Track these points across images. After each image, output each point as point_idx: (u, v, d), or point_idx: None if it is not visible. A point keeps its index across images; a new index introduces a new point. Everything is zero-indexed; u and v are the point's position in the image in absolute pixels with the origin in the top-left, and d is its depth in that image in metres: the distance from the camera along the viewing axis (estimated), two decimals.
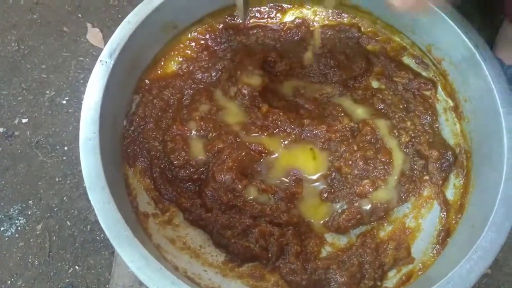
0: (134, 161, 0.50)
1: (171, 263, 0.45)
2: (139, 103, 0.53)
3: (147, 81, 0.53)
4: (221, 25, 0.58)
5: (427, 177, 0.55)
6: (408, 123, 0.56)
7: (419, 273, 0.50)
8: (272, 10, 0.62)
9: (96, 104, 0.44)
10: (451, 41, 0.47)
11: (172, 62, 0.56)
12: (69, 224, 0.91)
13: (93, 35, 1.08)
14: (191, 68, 0.56)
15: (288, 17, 0.63)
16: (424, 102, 0.57)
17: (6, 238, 0.91)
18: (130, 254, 0.39)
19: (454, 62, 0.50)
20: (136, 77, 0.52)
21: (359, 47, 0.62)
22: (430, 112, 0.56)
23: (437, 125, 0.56)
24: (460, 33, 0.45)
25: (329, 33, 0.62)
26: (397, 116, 0.57)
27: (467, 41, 0.45)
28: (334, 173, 0.54)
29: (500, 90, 0.42)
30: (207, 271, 0.48)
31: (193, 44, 0.57)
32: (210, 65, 0.57)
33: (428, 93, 0.58)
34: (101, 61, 0.46)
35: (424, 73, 0.60)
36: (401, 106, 0.58)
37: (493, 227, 0.43)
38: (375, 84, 0.60)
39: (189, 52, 0.57)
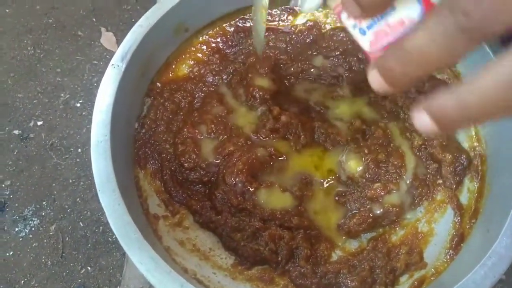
0: (145, 163, 0.50)
1: (180, 265, 0.45)
2: (150, 106, 0.53)
3: (158, 84, 0.54)
4: (232, 28, 0.59)
5: (440, 181, 0.54)
6: None
7: (432, 278, 0.49)
8: (284, 12, 0.62)
9: (108, 107, 0.44)
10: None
11: (184, 65, 0.57)
12: (81, 225, 0.93)
13: (107, 39, 1.09)
14: (202, 71, 0.56)
15: (300, 20, 0.63)
16: None
17: (20, 239, 0.92)
18: (140, 256, 0.39)
19: (470, 64, 0.49)
20: (147, 80, 0.53)
21: None
22: None
23: None
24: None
25: (341, 35, 0.62)
26: (409, 119, 0.57)
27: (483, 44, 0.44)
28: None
29: None
30: (216, 273, 0.48)
31: (204, 47, 0.57)
32: (221, 68, 0.57)
33: None
34: (112, 64, 0.46)
35: (437, 75, 0.59)
36: None
37: (508, 232, 0.42)
38: None
39: (200, 55, 0.57)
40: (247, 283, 0.48)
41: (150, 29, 0.48)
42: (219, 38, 0.58)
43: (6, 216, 0.93)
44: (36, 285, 0.87)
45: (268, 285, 0.48)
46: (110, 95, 0.45)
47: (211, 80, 0.56)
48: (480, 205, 0.51)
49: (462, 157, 0.54)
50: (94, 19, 1.12)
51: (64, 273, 0.88)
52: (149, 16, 0.50)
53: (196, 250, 0.49)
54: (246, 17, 0.59)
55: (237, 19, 0.59)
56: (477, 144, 0.54)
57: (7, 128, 1.01)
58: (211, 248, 0.49)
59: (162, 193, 0.50)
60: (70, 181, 0.96)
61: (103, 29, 1.09)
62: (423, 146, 0.55)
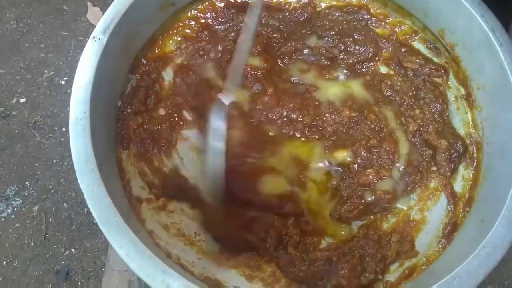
0: (128, 144, 0.48)
1: (164, 250, 0.44)
2: (135, 85, 0.50)
3: (143, 61, 0.51)
4: (223, 4, 0.55)
5: (434, 168, 0.52)
6: (417, 111, 0.54)
7: (423, 267, 0.47)
8: None
9: (87, 83, 0.42)
10: (466, 24, 0.44)
11: (171, 42, 0.54)
12: (66, 206, 0.90)
13: (94, 14, 1.05)
14: (190, 49, 0.54)
15: None
16: (434, 89, 0.54)
17: (2, 219, 0.90)
18: (119, 241, 0.37)
19: (468, 47, 0.47)
20: (131, 56, 0.50)
21: (368, 30, 0.59)
22: (440, 100, 0.53)
23: (447, 113, 0.54)
24: (476, 16, 0.42)
25: (337, 14, 0.59)
26: (405, 103, 0.55)
27: (483, 24, 0.42)
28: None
29: None
30: (201, 259, 0.46)
31: (193, 23, 0.54)
32: (210, 45, 0.54)
33: (439, 80, 0.55)
34: (94, 37, 0.43)
35: (435, 59, 0.57)
36: (410, 93, 0.55)
37: (503, 222, 0.41)
38: (383, 69, 0.57)
39: (188, 31, 0.54)
40: (233, 269, 0.46)
41: (134, 1, 0.45)
42: (208, 14, 0.55)
43: None
44: (19, 266, 0.85)
45: (255, 271, 0.46)
46: (90, 70, 0.42)
47: (200, 59, 0.54)
48: (474, 193, 0.49)
49: (458, 144, 0.52)
50: None
51: (48, 255, 0.86)
52: None
53: (181, 235, 0.47)
54: None
55: None
56: (474, 130, 0.53)
57: None
58: (196, 233, 0.48)
59: (146, 175, 0.48)
60: (54, 161, 0.93)
61: (89, 3, 1.05)
62: (418, 132, 0.53)
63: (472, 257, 0.40)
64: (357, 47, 0.58)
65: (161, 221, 0.46)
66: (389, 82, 0.56)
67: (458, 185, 0.52)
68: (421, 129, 0.54)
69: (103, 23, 0.44)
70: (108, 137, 0.45)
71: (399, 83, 0.56)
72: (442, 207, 0.51)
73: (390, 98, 0.56)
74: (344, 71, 0.57)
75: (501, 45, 0.41)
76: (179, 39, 0.54)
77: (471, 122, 0.54)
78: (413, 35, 0.57)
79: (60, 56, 1.03)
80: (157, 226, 0.46)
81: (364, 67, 0.57)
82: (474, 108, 0.51)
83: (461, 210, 0.49)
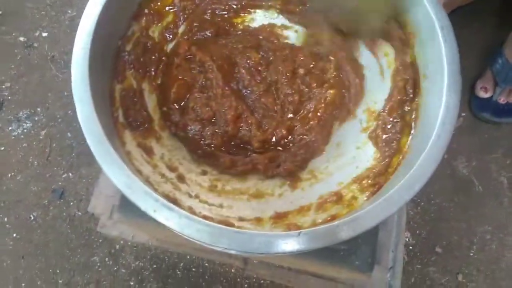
0: (123, 78, 0.55)
1: (137, 168, 0.51)
2: (135, 30, 0.57)
3: (145, 11, 0.58)
4: None
5: None
6: None
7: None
8: None
9: (93, 19, 0.49)
10: (423, 19, 0.50)
11: None
12: (69, 135, 1.00)
13: None
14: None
15: None
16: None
17: (12, 137, 1.00)
18: (103, 156, 0.44)
19: (423, 41, 0.52)
20: (135, 4, 0.57)
21: None
22: None
23: None
24: (431, 14, 0.48)
25: None
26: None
27: (435, 22, 0.48)
28: None
29: (450, 72, 0.46)
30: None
31: None
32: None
33: None
34: None
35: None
36: None
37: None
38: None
39: None
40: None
41: None
42: None
43: (3, 114, 1.00)
44: (22, 180, 0.96)
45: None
46: (97, 9, 0.50)
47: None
48: None
49: None
50: None
51: (47, 175, 0.96)
52: None
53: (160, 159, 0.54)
54: None
55: None
56: None
57: (13, 34, 1.07)
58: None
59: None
60: (65, 93, 1.02)
61: None
62: None
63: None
64: None
65: (141, 146, 0.54)
66: None
67: None
68: None
69: None
70: (104, 70, 0.53)
71: None
72: None
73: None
74: None
75: (445, 41, 0.47)
76: None
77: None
78: None
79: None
80: (137, 150, 0.54)
81: None
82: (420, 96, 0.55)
83: None
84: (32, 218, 0.92)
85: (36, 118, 1.00)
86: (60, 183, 0.95)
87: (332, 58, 0.56)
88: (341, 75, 0.55)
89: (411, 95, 0.52)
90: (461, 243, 0.90)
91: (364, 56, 0.58)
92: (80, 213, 0.92)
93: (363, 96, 0.56)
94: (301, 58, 0.56)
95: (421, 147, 0.45)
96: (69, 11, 1.09)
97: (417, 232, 0.91)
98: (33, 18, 1.08)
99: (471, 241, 0.90)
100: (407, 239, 0.90)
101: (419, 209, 0.92)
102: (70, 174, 0.96)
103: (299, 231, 0.41)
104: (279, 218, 0.50)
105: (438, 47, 0.48)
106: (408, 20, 0.53)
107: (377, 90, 0.56)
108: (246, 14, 0.62)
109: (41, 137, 0.99)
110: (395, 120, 0.52)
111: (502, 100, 0.94)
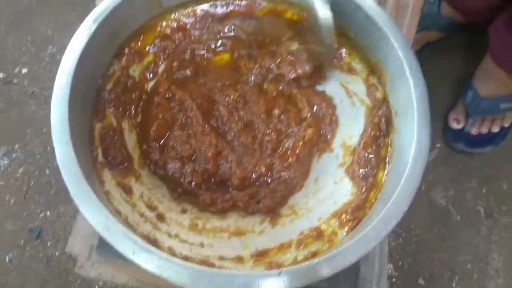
0: (103, 117, 0.56)
1: (115, 208, 0.51)
2: (116, 69, 0.58)
3: (126, 51, 0.59)
4: (202, 13, 0.63)
5: None
6: None
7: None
8: None
9: (74, 59, 0.50)
10: (392, 59, 0.52)
11: (151, 38, 0.61)
12: (48, 172, 0.98)
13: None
14: (159, 46, 0.60)
15: None
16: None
17: None
18: (80, 195, 0.44)
19: (393, 79, 0.54)
20: (117, 44, 0.58)
21: None
22: None
23: None
24: (400, 55, 0.51)
25: None
26: None
27: (404, 62, 0.50)
28: None
29: (419, 109, 0.48)
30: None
31: (174, 24, 0.62)
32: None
33: None
34: (84, 25, 0.52)
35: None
36: None
37: None
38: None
39: (168, 32, 0.62)
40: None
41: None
42: (189, 19, 0.62)
43: None
44: None
45: None
46: (78, 50, 0.51)
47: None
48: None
49: None
50: None
51: (24, 213, 0.94)
52: None
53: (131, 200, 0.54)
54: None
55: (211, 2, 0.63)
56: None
57: None
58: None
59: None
60: (44, 130, 1.01)
61: None
62: None
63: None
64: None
65: (120, 185, 0.54)
66: None
67: None
68: None
69: (94, 14, 0.53)
70: (84, 108, 0.53)
71: None
72: None
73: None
74: None
75: (414, 80, 0.49)
76: (156, 36, 0.61)
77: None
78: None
79: (65, 36, 1.11)
80: (116, 189, 0.53)
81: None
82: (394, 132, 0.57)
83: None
84: (8, 259, 0.89)
85: (13, 155, 0.98)
86: (37, 222, 0.93)
87: (301, 97, 0.58)
88: (315, 111, 0.57)
89: (385, 131, 0.54)
90: (442, 274, 0.91)
91: (332, 88, 0.59)
92: (57, 253, 0.90)
93: (337, 125, 0.57)
94: (274, 98, 0.58)
95: (396, 182, 0.47)
96: (50, 47, 1.10)
97: (399, 263, 0.91)
98: (13, 54, 1.09)
99: (452, 271, 0.91)
100: (389, 271, 0.90)
101: (401, 240, 0.93)
102: (48, 213, 0.94)
103: (279, 270, 0.41)
104: (260, 256, 0.50)
105: (407, 85, 0.50)
106: (378, 60, 0.56)
107: (351, 124, 0.57)
108: (224, 53, 0.63)
109: (18, 175, 0.97)
110: (370, 155, 0.53)
111: (474, 131, 0.98)
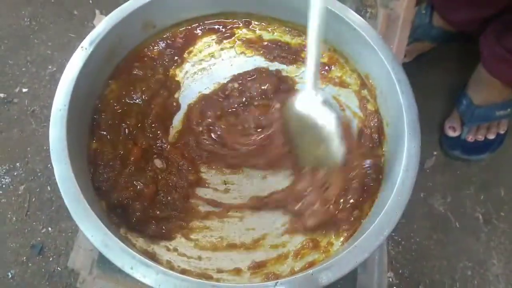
0: (100, 137, 0.57)
1: (115, 222, 0.52)
2: (113, 89, 0.59)
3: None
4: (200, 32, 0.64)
5: None
6: None
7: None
8: None
9: (71, 81, 0.51)
10: (381, 73, 0.54)
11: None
12: (49, 189, 0.99)
13: (100, 21, 1.15)
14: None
15: None
16: None
17: None
18: (81, 217, 0.45)
19: (383, 92, 0.56)
20: (113, 65, 0.59)
21: None
22: None
23: None
24: (388, 68, 0.52)
25: None
26: None
27: (392, 75, 0.52)
28: None
29: (409, 120, 0.49)
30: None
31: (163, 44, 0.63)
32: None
33: None
34: (82, 46, 0.54)
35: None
36: None
37: None
38: None
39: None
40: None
41: (120, 21, 0.55)
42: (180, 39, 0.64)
43: None
44: None
45: None
46: (75, 72, 0.52)
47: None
48: None
49: None
50: (90, 1, 1.19)
51: (26, 230, 0.95)
52: (122, 9, 0.57)
53: None
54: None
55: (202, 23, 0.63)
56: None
57: None
58: None
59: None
60: (45, 147, 1.02)
61: (97, 11, 1.16)
62: None
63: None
64: None
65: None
66: None
67: None
68: None
69: (91, 36, 0.54)
70: (82, 129, 0.54)
71: None
72: None
73: None
74: None
75: (402, 93, 0.51)
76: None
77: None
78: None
79: (64, 55, 1.13)
80: None
81: None
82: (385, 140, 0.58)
83: None
84: (10, 276, 0.90)
85: (15, 173, 1.00)
86: (39, 238, 0.94)
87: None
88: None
89: (377, 142, 0.55)
90: (443, 281, 0.91)
91: None
92: (59, 269, 0.90)
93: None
94: None
95: (389, 193, 0.48)
96: (50, 67, 1.12)
97: (400, 271, 0.92)
98: (13, 74, 1.10)
99: (453, 279, 0.91)
100: (390, 279, 0.90)
101: (401, 248, 0.94)
102: (50, 229, 0.94)
103: (276, 281, 0.42)
104: (257, 267, 0.51)
105: (396, 98, 0.51)
106: (369, 75, 0.57)
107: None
108: None
109: (19, 192, 0.98)
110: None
111: (470, 138, 0.99)
